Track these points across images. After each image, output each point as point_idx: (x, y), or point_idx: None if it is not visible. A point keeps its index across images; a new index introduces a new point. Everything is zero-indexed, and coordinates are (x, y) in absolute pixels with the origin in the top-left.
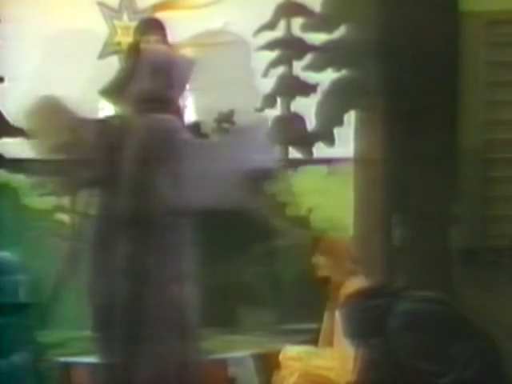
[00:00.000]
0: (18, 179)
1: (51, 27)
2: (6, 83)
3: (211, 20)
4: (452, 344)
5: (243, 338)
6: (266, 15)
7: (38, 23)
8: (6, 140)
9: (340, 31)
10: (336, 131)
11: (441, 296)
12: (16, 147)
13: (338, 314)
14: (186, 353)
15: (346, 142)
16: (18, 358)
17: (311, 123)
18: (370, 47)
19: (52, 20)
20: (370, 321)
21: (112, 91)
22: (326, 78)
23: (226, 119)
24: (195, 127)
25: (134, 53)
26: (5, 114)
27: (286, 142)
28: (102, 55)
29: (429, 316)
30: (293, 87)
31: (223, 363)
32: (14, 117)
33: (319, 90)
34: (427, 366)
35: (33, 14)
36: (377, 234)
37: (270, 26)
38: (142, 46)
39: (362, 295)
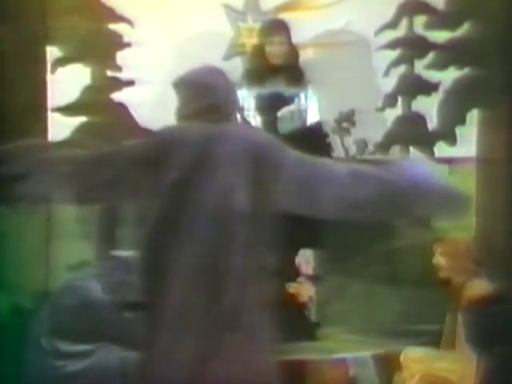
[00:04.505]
0: None
1: (180, 31)
2: (137, 86)
3: (333, 20)
4: None
5: (364, 339)
6: (388, 14)
7: (168, 27)
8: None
9: (463, 29)
10: (458, 130)
11: None
12: None
13: (460, 317)
14: (262, 354)
15: (468, 142)
16: None
17: (432, 122)
18: (495, 45)
19: (181, 24)
20: (493, 328)
21: None
22: (448, 76)
23: (346, 119)
24: (317, 127)
25: (258, 54)
26: (135, 116)
27: (407, 142)
28: (227, 57)
29: None
30: (414, 86)
31: (344, 363)
32: (144, 119)
33: (441, 88)
34: None
35: (163, 18)
36: (499, 235)
37: (392, 24)
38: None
39: (486, 301)
